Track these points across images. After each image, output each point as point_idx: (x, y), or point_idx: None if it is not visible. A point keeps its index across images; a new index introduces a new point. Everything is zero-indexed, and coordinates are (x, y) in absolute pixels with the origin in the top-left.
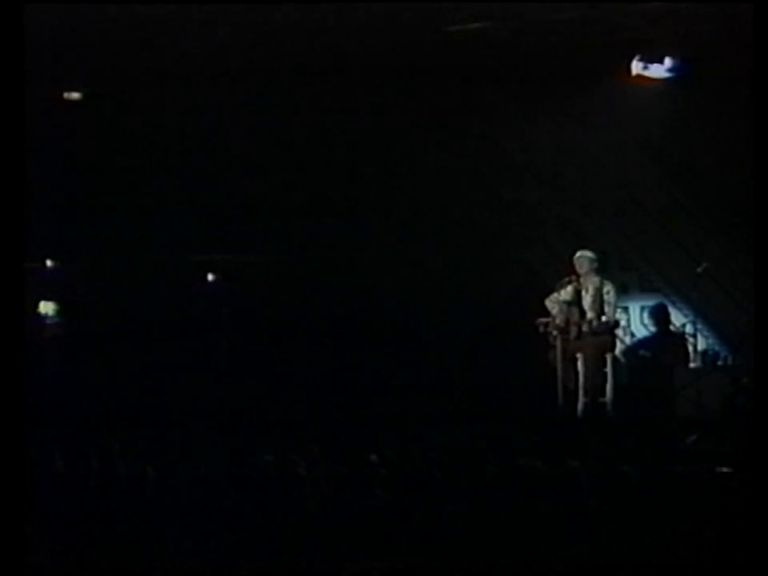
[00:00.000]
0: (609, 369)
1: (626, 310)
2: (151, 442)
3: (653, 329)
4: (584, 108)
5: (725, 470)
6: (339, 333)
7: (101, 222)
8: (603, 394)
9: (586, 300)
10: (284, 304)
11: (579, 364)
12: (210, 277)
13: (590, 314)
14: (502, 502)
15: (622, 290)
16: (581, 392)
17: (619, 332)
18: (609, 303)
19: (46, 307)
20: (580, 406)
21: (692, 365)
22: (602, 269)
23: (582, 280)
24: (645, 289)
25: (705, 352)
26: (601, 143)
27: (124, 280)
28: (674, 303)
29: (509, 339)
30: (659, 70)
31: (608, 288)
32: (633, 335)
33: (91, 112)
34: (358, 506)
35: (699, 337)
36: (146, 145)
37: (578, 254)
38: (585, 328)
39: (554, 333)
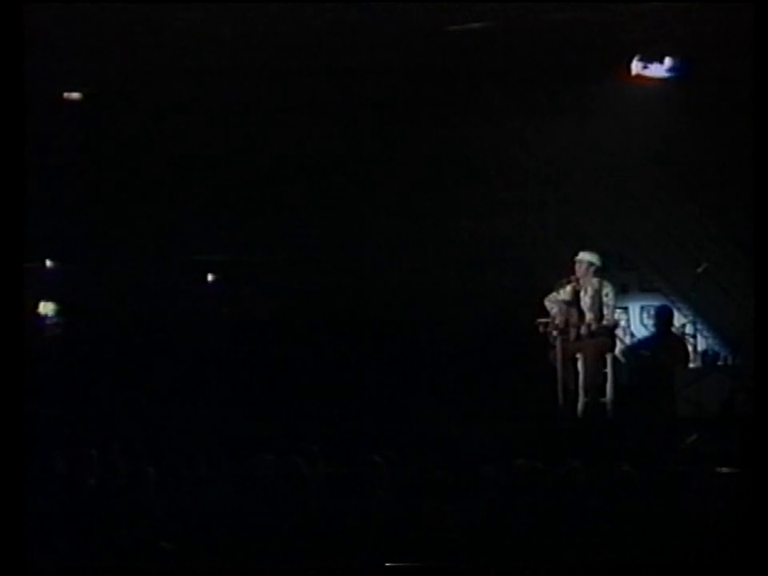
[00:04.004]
0: (609, 369)
1: (625, 310)
2: (151, 442)
3: (653, 329)
4: (584, 108)
5: (725, 470)
6: (339, 332)
7: (101, 222)
8: (603, 393)
9: (585, 301)
10: (284, 304)
11: (579, 364)
12: (210, 277)
13: (588, 316)
14: (503, 502)
15: (622, 290)
16: (581, 392)
17: (619, 332)
18: (608, 306)
19: (46, 307)
20: (580, 406)
21: (692, 365)
22: (602, 270)
23: (581, 281)
24: (645, 289)
25: (705, 352)
26: (601, 143)
27: (124, 280)
28: (673, 303)
29: (509, 339)
30: (659, 70)
31: (607, 290)
32: (633, 335)
33: (91, 112)
34: (358, 506)
35: (699, 337)
36: (146, 145)
37: (579, 255)
38: (583, 330)
39: (554, 333)
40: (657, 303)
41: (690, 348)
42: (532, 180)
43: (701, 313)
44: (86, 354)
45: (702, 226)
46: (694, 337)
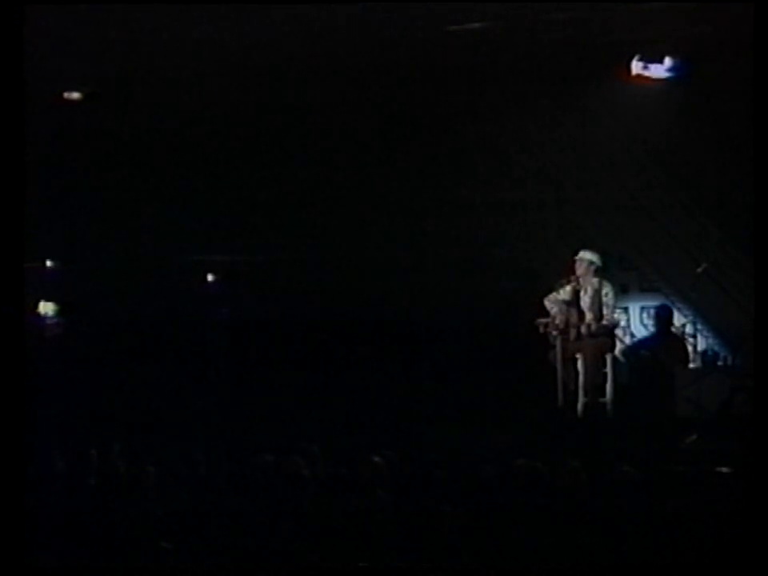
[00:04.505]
0: (609, 369)
1: (625, 310)
2: (151, 443)
3: (653, 329)
4: (584, 108)
5: (725, 470)
6: (340, 333)
7: (101, 222)
8: (603, 394)
9: (585, 301)
10: (284, 304)
11: (579, 364)
12: (210, 277)
13: (588, 315)
14: (503, 502)
15: (622, 290)
16: (581, 392)
17: (619, 332)
18: (607, 305)
19: (46, 307)
20: (580, 406)
21: (692, 365)
22: (602, 269)
23: (581, 280)
24: (645, 289)
25: (705, 352)
26: (601, 143)
27: (124, 280)
28: (673, 303)
29: (509, 339)
30: (659, 70)
31: (606, 290)
32: (633, 335)
33: (91, 112)
34: (358, 506)
35: (699, 337)
36: (146, 145)
37: (579, 254)
38: (583, 329)
39: (554, 333)
40: (657, 303)
41: (690, 348)
42: (532, 180)
43: (701, 313)
44: (85, 354)
45: (702, 226)
46: (694, 337)
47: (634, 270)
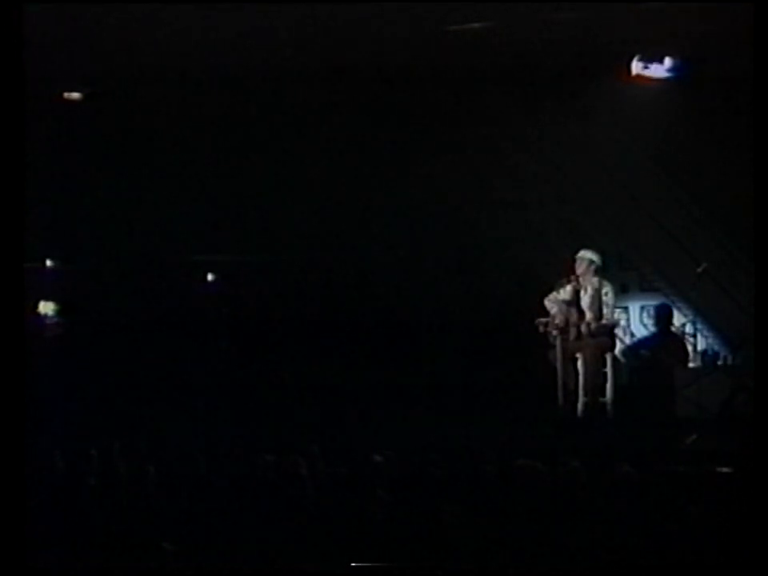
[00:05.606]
0: (609, 369)
1: (625, 310)
2: (151, 442)
3: (653, 329)
4: (584, 108)
5: (725, 470)
6: (339, 332)
7: (101, 222)
8: (603, 393)
9: (585, 301)
10: (284, 304)
11: (579, 364)
12: (210, 277)
13: (588, 315)
14: (503, 502)
15: (622, 290)
16: (581, 392)
17: (619, 332)
18: (607, 305)
19: (46, 307)
20: (580, 406)
21: (692, 365)
22: (602, 268)
23: (580, 280)
24: (645, 289)
25: (705, 352)
26: (601, 143)
27: (124, 280)
28: (673, 303)
29: (509, 339)
30: (659, 70)
31: (606, 289)
32: (633, 335)
33: (91, 112)
34: (358, 506)
35: (699, 337)
36: (146, 145)
37: (579, 253)
38: (583, 329)
39: (554, 333)
40: (657, 303)
41: (689, 348)
42: (532, 179)
43: (701, 313)
44: (85, 354)
45: (702, 226)
46: (694, 337)
47: (634, 269)
